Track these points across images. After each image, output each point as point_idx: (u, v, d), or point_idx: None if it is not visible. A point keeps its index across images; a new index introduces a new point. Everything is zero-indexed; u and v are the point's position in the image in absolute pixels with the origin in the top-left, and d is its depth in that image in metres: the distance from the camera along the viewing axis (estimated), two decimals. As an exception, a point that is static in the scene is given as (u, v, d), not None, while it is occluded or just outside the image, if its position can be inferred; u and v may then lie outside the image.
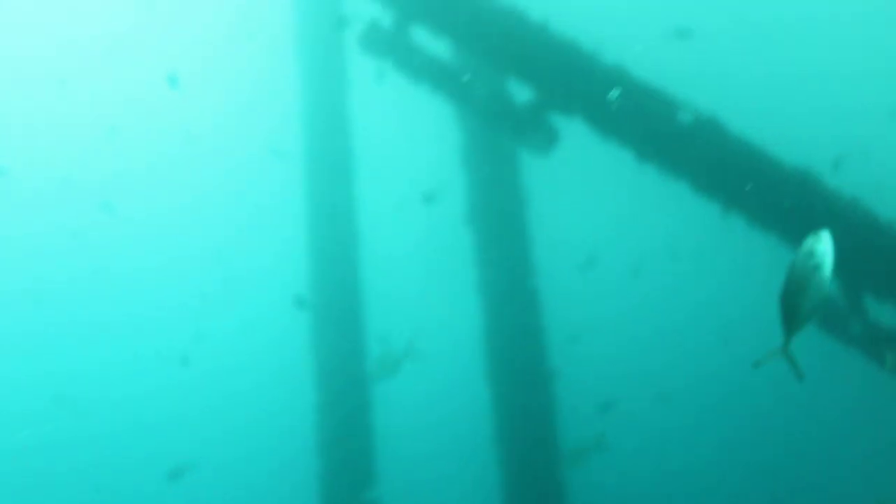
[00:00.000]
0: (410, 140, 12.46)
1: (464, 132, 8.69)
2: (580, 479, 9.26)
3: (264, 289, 16.11)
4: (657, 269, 12.13)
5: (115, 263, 20.64)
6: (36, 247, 21.18)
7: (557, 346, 8.58)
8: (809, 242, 4.30)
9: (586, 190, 11.26)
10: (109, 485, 17.98)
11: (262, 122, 15.81)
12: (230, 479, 17.14)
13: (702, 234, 10.31)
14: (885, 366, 7.16)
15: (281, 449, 14.72)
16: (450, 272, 10.87)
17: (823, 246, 4.28)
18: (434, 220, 11.74)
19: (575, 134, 7.75)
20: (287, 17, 10.35)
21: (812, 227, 7.16)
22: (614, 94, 7.43)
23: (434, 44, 8.07)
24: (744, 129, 7.53)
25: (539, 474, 8.38)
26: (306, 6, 10.04)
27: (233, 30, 15.47)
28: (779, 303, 4.40)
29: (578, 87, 7.68)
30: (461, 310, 9.73)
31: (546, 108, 7.85)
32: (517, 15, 7.90)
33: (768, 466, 13.45)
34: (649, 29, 12.25)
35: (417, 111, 9.20)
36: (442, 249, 11.68)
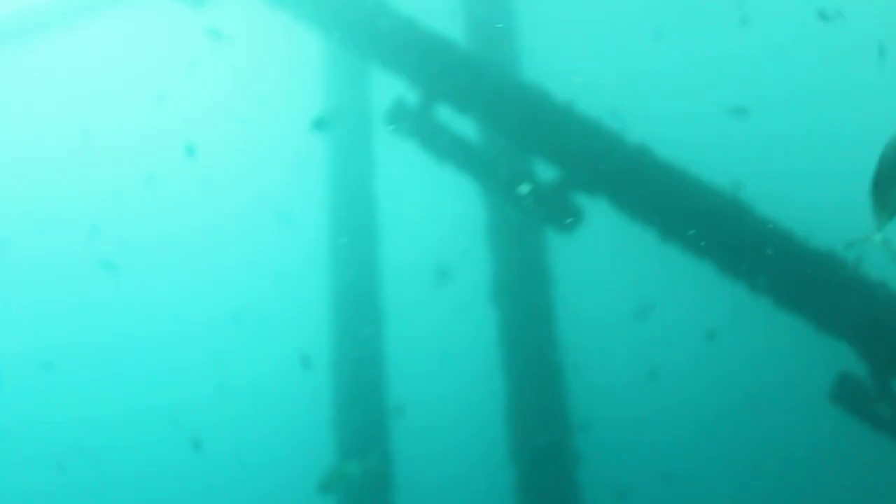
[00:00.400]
0: (434, 217, 12.68)
1: (488, 210, 8.94)
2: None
3: (281, 362, 16.19)
4: (681, 348, 12.16)
5: (120, 330, 20.73)
6: (40, 314, 21.30)
7: (581, 426, 8.63)
8: None
9: (610, 269, 11.39)
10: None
11: (283, 194, 16.10)
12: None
13: (727, 316, 10.38)
14: None
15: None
16: (472, 350, 10.97)
17: None
18: (457, 298, 11.88)
19: (599, 213, 7.94)
20: (311, 92, 10.74)
21: (840, 309, 7.29)
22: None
23: (459, 122, 8.35)
24: (787, 208, 7.69)
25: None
26: (331, 83, 10.45)
27: (256, 103, 15.88)
28: (869, 190, 4.33)
29: (603, 166, 7.90)
30: (483, 388, 9.81)
31: (571, 187, 8.05)
32: (542, 94, 8.19)
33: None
34: (704, 106, 12.53)
35: (442, 188, 9.45)
36: (464, 327, 11.78)
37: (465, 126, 8.35)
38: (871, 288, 7.26)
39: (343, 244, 10.04)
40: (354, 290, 10.39)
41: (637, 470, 12.88)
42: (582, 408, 8.89)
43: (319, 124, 9.70)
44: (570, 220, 8.07)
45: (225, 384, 18.98)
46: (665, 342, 12.54)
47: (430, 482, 12.41)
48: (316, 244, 10.86)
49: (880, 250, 4.31)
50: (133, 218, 20.11)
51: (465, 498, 13.20)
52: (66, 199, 21.05)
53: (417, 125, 8.31)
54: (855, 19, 11.77)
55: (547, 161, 8.14)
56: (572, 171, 8.00)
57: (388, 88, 8.50)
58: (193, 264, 20.38)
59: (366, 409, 10.07)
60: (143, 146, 19.61)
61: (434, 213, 12.78)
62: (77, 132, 20.40)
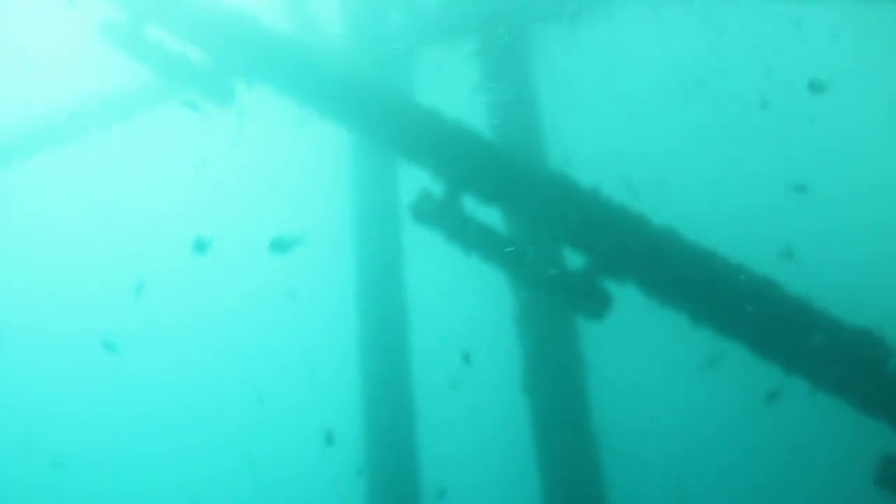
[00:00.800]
0: (463, 307, 12.93)
1: (516, 299, 9.20)
2: None
3: (307, 446, 16.23)
4: (717, 433, 12.21)
5: (137, 423, 20.79)
6: (51, 408, 21.41)
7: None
8: None
9: (641, 351, 11.55)
10: None
11: (312, 282, 16.41)
12: None
13: (764, 400, 10.48)
14: None
15: None
16: (505, 440, 11.12)
17: None
18: (487, 386, 12.06)
19: (628, 298, 8.16)
20: (337, 184, 11.16)
21: (883, 390, 7.38)
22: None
23: (485, 211, 8.66)
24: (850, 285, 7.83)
25: None
26: (356, 175, 10.89)
27: (282, 194, 16.30)
28: None
29: (630, 251, 8.15)
30: (518, 477, 9.93)
31: (599, 273, 8.28)
32: (568, 180, 8.49)
33: None
34: (768, 183, 12.82)
35: (470, 277, 9.73)
36: (494, 416, 11.93)
37: (491, 215, 8.67)
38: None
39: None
40: (383, 376, 10.68)
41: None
42: (621, 498, 8.98)
43: (276, 245, 9.96)
44: (598, 306, 8.30)
45: (252, 472, 19.01)
46: (702, 427, 12.59)
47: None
48: (344, 330, 11.15)
49: None
50: (150, 304, 20.44)
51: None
52: (83, 287, 21.42)
53: (443, 216, 8.63)
54: (843, 88, 12.14)
55: (574, 247, 8.41)
56: (600, 256, 8.25)
57: (414, 180, 8.87)
58: (217, 347, 20.62)
59: (397, 497, 10.26)
60: (167, 228, 20.06)
61: (462, 301, 13.07)
62: (101, 210, 20.90)
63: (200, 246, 10.15)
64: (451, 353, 12.40)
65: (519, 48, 10.47)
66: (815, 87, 11.51)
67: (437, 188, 8.70)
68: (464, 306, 13.13)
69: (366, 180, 10.88)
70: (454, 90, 10.30)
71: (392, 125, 9.01)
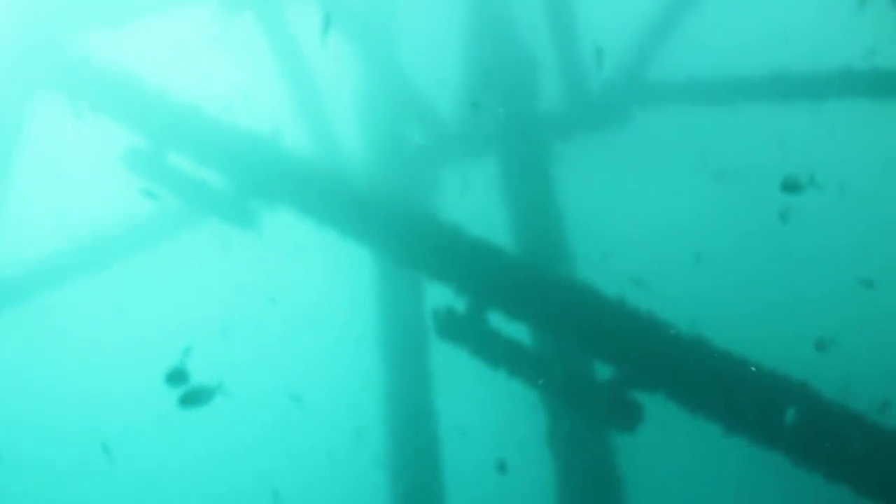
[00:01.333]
0: (493, 423, 13.06)
1: (546, 415, 9.35)
2: None
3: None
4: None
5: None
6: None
7: None
8: None
9: (675, 463, 11.59)
10: None
11: (334, 403, 16.58)
12: None
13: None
14: None
15: None
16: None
17: None
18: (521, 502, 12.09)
19: (660, 410, 8.27)
20: (362, 305, 11.49)
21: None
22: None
23: (510, 326, 8.87)
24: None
25: None
26: (381, 293, 11.21)
27: (303, 315, 16.62)
28: None
29: (659, 361, 8.29)
30: None
31: (628, 385, 8.42)
32: (593, 292, 8.70)
33: None
34: (841, 276, 13.01)
35: (499, 394, 9.91)
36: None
37: (516, 329, 8.88)
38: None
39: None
40: (414, 493, 10.80)
41: None
42: None
43: (173, 377, 10.03)
44: (629, 418, 8.42)
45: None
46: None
47: None
48: (371, 445, 11.30)
49: None
50: (160, 412, 20.57)
51: None
52: (87, 397, 21.62)
53: (467, 332, 8.84)
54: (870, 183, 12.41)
55: (602, 359, 8.56)
56: (628, 367, 8.39)
57: (438, 297, 9.12)
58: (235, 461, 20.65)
59: None
60: (183, 335, 20.31)
61: (492, 416, 13.18)
62: (113, 316, 21.21)
63: (178, 376, 10.19)
64: (482, 469, 12.47)
65: (538, 161, 10.87)
66: (838, 182, 11.79)
67: (460, 304, 8.93)
68: (494, 422, 13.24)
69: (390, 297, 11.17)
70: (475, 204, 10.64)
71: (414, 243, 9.29)
